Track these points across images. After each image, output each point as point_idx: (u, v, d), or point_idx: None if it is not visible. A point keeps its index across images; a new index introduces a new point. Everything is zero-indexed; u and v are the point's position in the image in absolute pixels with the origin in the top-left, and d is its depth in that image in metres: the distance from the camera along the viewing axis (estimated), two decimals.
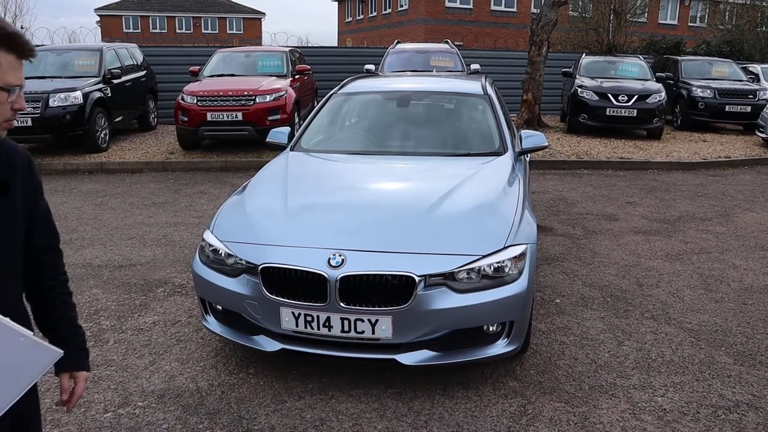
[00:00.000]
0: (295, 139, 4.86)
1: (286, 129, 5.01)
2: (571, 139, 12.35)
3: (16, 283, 1.64)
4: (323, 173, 4.35)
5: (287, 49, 12.55)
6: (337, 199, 3.78)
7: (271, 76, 11.39)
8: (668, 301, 4.65)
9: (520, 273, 3.17)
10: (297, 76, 11.75)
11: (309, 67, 12.24)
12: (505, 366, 3.56)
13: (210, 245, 3.52)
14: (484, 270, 3.10)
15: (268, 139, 5.02)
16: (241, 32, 52.49)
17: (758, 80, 15.83)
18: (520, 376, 3.48)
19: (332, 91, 5.35)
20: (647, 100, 12.50)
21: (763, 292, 4.89)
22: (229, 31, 52.26)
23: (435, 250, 3.13)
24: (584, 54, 15.28)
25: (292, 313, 3.14)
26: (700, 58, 17.38)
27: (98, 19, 50.57)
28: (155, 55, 15.04)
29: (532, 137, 4.64)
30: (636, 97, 12.46)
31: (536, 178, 9.39)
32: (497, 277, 3.12)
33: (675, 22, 35.30)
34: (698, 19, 34.70)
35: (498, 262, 3.12)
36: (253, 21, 54.45)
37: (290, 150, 4.76)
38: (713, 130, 14.50)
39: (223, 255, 3.41)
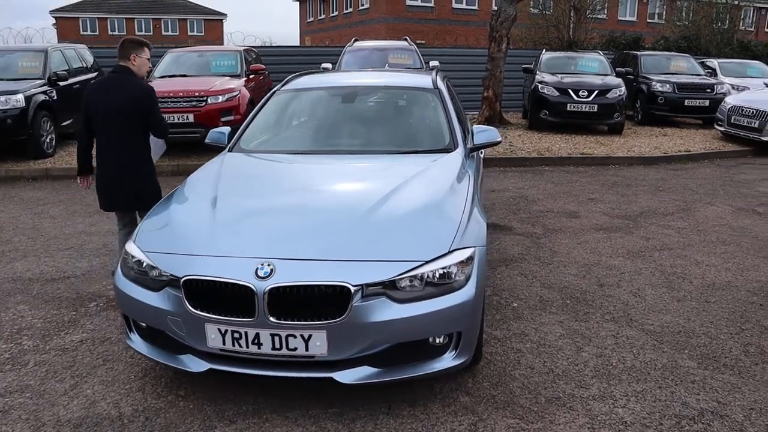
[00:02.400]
0: (234, 139, 4.55)
1: (226, 129, 4.69)
2: (533, 136, 12.22)
3: None
4: (259, 176, 4.04)
5: (242, 48, 12.19)
6: (271, 203, 3.47)
7: (225, 76, 11.03)
8: (630, 301, 4.46)
9: (468, 279, 2.92)
10: (252, 76, 11.40)
11: (264, 66, 11.89)
12: (456, 379, 3.31)
13: (133, 257, 3.19)
14: (427, 277, 2.84)
15: (207, 140, 4.71)
16: (203, 34, 51.66)
17: (715, 75, 15.94)
18: (473, 390, 3.23)
19: (275, 88, 5.05)
20: (607, 95, 12.43)
21: (725, 288, 4.73)
22: (190, 33, 51.37)
23: (373, 257, 2.86)
24: (544, 50, 15.19)
25: (219, 329, 2.84)
26: (659, 53, 17.48)
27: (54, 21, 49.31)
28: (109, 57, 14.54)
29: (484, 132, 4.39)
30: (596, 92, 12.39)
31: (497, 176, 9.20)
32: (442, 284, 2.86)
33: (634, 19, 35.69)
34: (656, 16, 35.16)
35: (443, 268, 2.86)
36: (214, 22, 53.62)
37: (228, 151, 4.45)
38: (673, 125, 14.54)
39: (146, 267, 3.10)
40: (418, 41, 26.97)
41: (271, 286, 2.73)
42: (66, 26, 47.89)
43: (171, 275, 2.94)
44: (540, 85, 12.78)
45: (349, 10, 34.32)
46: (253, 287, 2.74)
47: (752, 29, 34.40)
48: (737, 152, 11.42)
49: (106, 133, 4.37)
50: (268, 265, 2.80)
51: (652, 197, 7.81)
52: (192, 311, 2.86)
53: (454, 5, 30.44)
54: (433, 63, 12.11)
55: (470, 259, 2.96)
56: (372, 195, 3.33)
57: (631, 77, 14.81)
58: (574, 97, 12.35)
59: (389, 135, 4.48)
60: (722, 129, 12.31)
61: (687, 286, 4.78)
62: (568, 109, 12.36)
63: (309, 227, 3.07)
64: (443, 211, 3.24)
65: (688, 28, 23.78)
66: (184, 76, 11.03)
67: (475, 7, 31.12)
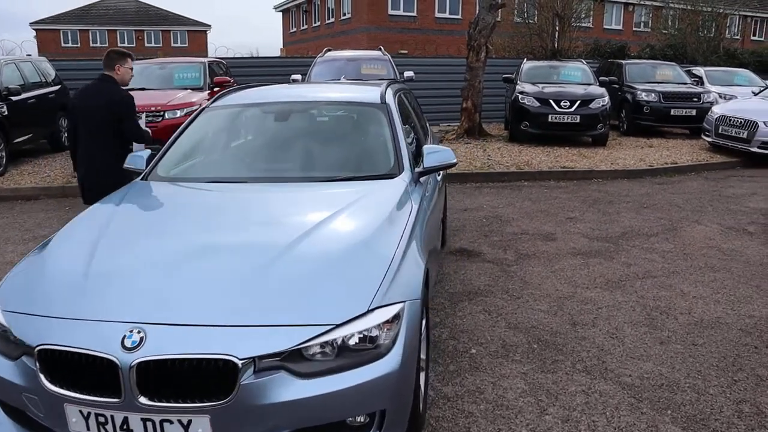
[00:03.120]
0: (150, 165, 3.94)
1: (146, 152, 4.10)
2: (513, 149, 11.68)
3: None
4: (160, 212, 3.41)
5: (206, 60, 11.63)
6: (162, 248, 2.83)
7: (187, 89, 10.48)
8: (605, 345, 3.90)
9: (394, 343, 2.35)
10: (216, 89, 10.83)
11: (230, 79, 11.33)
12: None
13: None
14: (341, 343, 2.26)
15: (125, 165, 4.11)
16: (186, 45, 51.07)
17: (702, 83, 15.50)
18: None
19: (203, 106, 4.47)
20: (590, 105, 11.94)
21: (714, 326, 4.18)
22: (173, 44, 50.73)
23: (271, 320, 2.27)
24: (525, 59, 14.70)
25: (80, 411, 2.25)
26: (644, 61, 17.05)
27: (35, 33, 48.61)
28: (73, 69, 13.97)
29: (436, 154, 3.81)
30: (579, 102, 11.89)
31: (471, 192, 8.65)
32: (361, 351, 2.29)
33: (620, 27, 35.41)
34: (642, 24, 34.88)
35: (361, 332, 2.29)
36: (198, 34, 53.06)
37: (142, 179, 3.85)
38: (660, 135, 14.07)
39: (5, 330, 2.50)
40: (401, 51, 26.56)
41: (139, 360, 2.15)
42: (47, 38, 47.15)
43: (24, 343, 2.36)
44: (520, 96, 12.28)
45: (331, 20, 33.84)
46: (117, 360, 2.16)
47: (738, 37, 34.15)
48: (725, 164, 10.93)
49: (86, 136, 4.81)
50: (138, 332, 2.21)
51: (636, 215, 7.27)
52: (48, 388, 2.27)
53: (437, 14, 29.95)
54: (408, 73, 11.59)
55: (397, 317, 2.39)
56: (285, 236, 2.74)
57: (616, 86, 14.35)
58: (556, 107, 11.85)
59: (324, 159, 3.90)
60: (709, 139, 11.84)
61: (671, 323, 4.22)
62: (550, 120, 11.85)
63: (198, 281, 2.47)
64: (369, 255, 2.65)
65: (674, 37, 23.42)
66: (144, 89, 10.44)
67: (459, 17, 30.69)
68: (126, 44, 49.50)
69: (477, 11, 13.14)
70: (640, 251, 5.87)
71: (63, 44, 47.99)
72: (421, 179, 3.80)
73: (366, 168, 3.72)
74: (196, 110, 9.37)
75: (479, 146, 11.89)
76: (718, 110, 11.90)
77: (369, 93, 4.32)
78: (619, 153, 11.46)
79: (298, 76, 11.31)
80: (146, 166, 3.96)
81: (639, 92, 13.86)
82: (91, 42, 49.29)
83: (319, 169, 3.77)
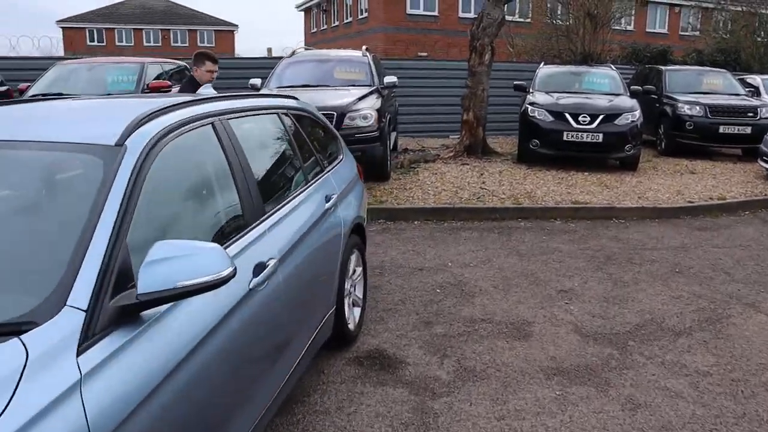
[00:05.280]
0: None
1: None
2: (517, 173, 9.44)
3: None
4: None
5: (145, 60, 9.71)
6: None
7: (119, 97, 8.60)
8: None
9: None
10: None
11: (169, 83, 9.37)
12: None
13: None
14: None
15: None
16: (213, 45, 49.78)
17: (758, 94, 12.94)
18: None
19: None
20: (616, 122, 9.62)
21: None
22: (200, 44, 49.52)
23: None
24: (542, 63, 12.41)
25: None
26: (688, 67, 14.52)
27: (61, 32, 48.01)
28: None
29: (164, 267, 1.69)
30: (602, 117, 9.58)
31: (443, 237, 6.49)
32: None
33: (665, 31, 32.49)
34: (690, 27, 31.91)
35: None
36: (225, 34, 51.85)
37: None
38: (705, 156, 11.61)
39: None
40: (420, 54, 24.38)
41: None
42: (73, 37, 46.48)
43: None
44: (530, 108, 10.03)
45: (349, 19, 31.79)
46: None
47: None
48: None
49: None
50: None
51: (662, 288, 5.03)
52: None
53: (461, 14, 27.40)
54: (389, 79, 9.46)
55: None
56: None
57: (654, 97, 11.99)
58: (573, 123, 9.57)
59: None
60: None
61: None
62: (565, 138, 9.57)
63: None
64: None
65: (725, 40, 20.71)
66: (60, 95, 8.58)
67: None
68: (152, 44, 48.60)
69: (483, 5, 10.91)
70: (659, 370, 3.64)
71: (89, 42, 47.23)
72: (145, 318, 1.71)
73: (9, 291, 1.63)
74: None
75: (477, 169, 9.68)
76: None
77: (100, 127, 2.18)
78: (652, 182, 9.12)
79: (257, 81, 9.29)
80: None
81: (681, 104, 11.47)
82: (116, 41, 48.52)
83: None
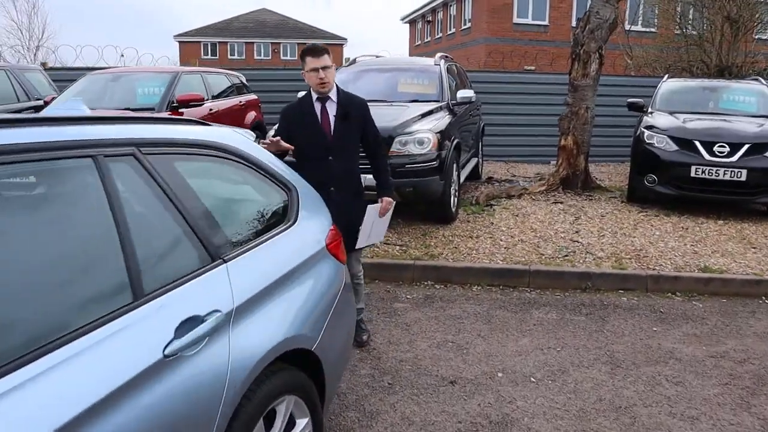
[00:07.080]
0: None
1: None
2: (625, 219, 7.22)
3: None
4: None
5: (179, 70, 8.40)
6: None
7: (141, 110, 7.35)
8: None
9: None
10: (182, 110, 7.56)
11: (201, 96, 7.97)
12: None
13: None
14: None
15: None
16: None
17: None
18: None
19: None
20: (767, 153, 7.19)
21: None
22: None
23: None
24: (666, 76, 9.98)
25: None
26: None
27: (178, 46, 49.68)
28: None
29: None
30: (746, 147, 7.16)
31: (506, 318, 4.53)
32: None
33: None
34: None
35: None
36: (334, 47, 51.62)
37: None
38: None
39: None
40: (527, 67, 22.06)
41: None
42: (188, 50, 47.96)
43: None
44: (647, 133, 7.78)
45: (452, 30, 29.91)
46: None
47: None
48: None
49: None
50: None
51: None
52: None
53: (575, 23, 24.85)
54: (464, 93, 7.57)
55: None
56: None
57: None
58: (705, 154, 7.21)
59: None
60: None
61: None
62: (693, 174, 7.23)
63: None
64: None
65: None
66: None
67: None
68: (262, 56, 49.33)
69: (589, 4, 8.76)
70: None
71: (203, 56, 48.51)
72: None
73: None
74: None
75: (572, 210, 7.54)
76: None
77: None
78: None
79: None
80: None
81: None
82: (228, 54, 49.64)
83: None
